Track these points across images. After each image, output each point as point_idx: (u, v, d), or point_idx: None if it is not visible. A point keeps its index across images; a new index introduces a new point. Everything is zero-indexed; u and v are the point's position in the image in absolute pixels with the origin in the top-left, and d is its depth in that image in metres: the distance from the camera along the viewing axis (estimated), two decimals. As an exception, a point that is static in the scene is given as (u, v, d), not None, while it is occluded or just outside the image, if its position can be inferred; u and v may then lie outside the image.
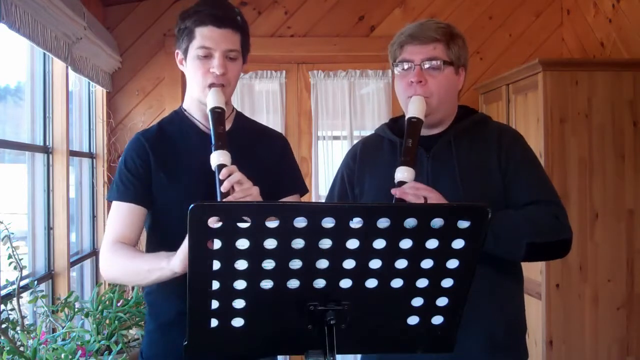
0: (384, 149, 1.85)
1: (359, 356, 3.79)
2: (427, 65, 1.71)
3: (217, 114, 1.64)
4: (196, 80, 1.71)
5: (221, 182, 1.55)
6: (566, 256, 1.77)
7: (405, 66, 1.74)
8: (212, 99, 1.66)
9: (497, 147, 1.74)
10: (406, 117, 1.71)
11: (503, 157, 1.73)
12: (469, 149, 1.75)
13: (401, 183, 1.61)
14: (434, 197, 1.58)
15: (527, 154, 1.78)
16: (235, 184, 1.55)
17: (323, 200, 4.10)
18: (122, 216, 1.71)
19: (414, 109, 1.70)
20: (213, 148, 1.61)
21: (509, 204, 1.70)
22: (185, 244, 1.45)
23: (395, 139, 1.81)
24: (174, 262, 1.49)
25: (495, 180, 1.71)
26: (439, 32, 1.72)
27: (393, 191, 1.59)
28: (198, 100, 1.74)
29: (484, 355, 1.69)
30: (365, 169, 1.85)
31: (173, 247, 1.52)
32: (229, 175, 1.56)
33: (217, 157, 1.59)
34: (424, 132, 1.75)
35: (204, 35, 1.67)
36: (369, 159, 1.86)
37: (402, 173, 1.61)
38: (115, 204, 1.73)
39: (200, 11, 1.68)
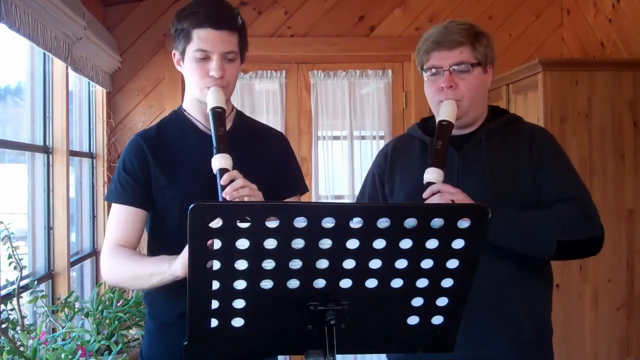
0: (415, 148, 1.87)
1: (359, 356, 3.80)
2: (455, 69, 1.73)
3: (218, 114, 1.63)
4: (195, 82, 1.70)
5: (223, 187, 1.54)
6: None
7: (434, 72, 1.75)
8: (212, 99, 1.65)
9: (529, 146, 1.75)
10: (437, 120, 1.73)
11: (534, 155, 1.74)
12: (500, 148, 1.76)
13: (429, 184, 1.64)
14: (461, 200, 1.59)
15: (558, 151, 1.79)
16: (239, 189, 1.53)
17: (323, 201, 4.11)
18: (122, 219, 1.71)
19: (445, 112, 1.71)
20: (214, 151, 1.59)
21: (539, 201, 1.71)
22: (187, 249, 1.45)
23: (426, 139, 1.83)
24: (176, 267, 1.48)
25: (526, 179, 1.72)
26: (463, 34, 1.74)
27: (425, 195, 1.62)
28: (198, 100, 1.73)
29: (512, 354, 1.70)
30: (396, 168, 1.87)
31: (173, 248, 1.52)
32: (231, 181, 1.54)
33: (219, 161, 1.57)
34: (456, 131, 1.77)
35: (201, 37, 1.65)
36: (400, 158, 1.88)
37: (431, 174, 1.64)
38: (115, 206, 1.73)
39: (196, 12, 1.65)
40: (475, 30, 1.77)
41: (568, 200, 1.69)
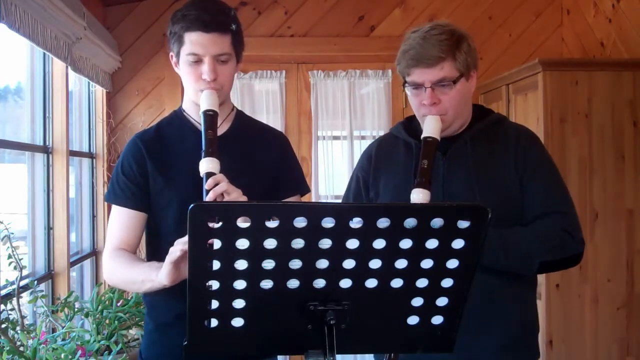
0: (399, 149, 1.84)
1: (358, 356, 3.80)
2: (438, 84, 1.68)
3: (209, 117, 1.62)
4: (189, 86, 1.70)
5: (207, 191, 1.52)
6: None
7: (416, 87, 1.71)
8: (205, 101, 1.63)
9: (514, 149, 1.74)
10: (422, 137, 1.69)
11: (520, 159, 1.72)
12: (485, 150, 1.75)
13: None
14: None
15: (543, 157, 1.78)
16: (223, 194, 1.52)
17: (323, 201, 4.10)
18: (121, 222, 1.71)
19: (429, 129, 1.67)
20: (203, 154, 1.57)
21: (523, 209, 1.71)
22: (168, 258, 1.46)
23: (410, 140, 1.81)
24: (161, 276, 1.49)
25: (511, 181, 1.71)
26: (443, 47, 1.66)
27: None
28: (194, 102, 1.73)
29: (500, 353, 1.70)
30: (380, 170, 1.84)
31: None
32: (215, 185, 1.53)
33: (206, 165, 1.55)
34: (441, 134, 1.74)
35: (192, 41, 1.64)
36: (384, 160, 1.86)
37: (418, 195, 1.59)
38: (115, 209, 1.73)
39: (187, 15, 1.64)
40: (455, 37, 1.68)
41: (552, 214, 1.68)
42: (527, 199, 1.71)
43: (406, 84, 1.75)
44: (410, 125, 1.87)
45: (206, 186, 1.53)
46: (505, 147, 1.75)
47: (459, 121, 1.77)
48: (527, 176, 1.71)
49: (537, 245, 1.64)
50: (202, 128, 1.62)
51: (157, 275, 1.50)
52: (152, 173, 1.70)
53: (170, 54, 1.74)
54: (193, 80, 1.67)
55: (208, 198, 1.51)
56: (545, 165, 1.76)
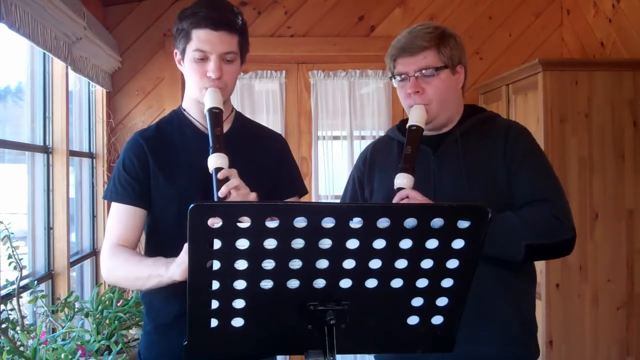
0: (393, 149, 1.88)
1: (358, 356, 3.80)
2: (421, 73, 1.73)
3: (215, 115, 1.63)
4: (193, 83, 1.70)
5: (218, 185, 1.53)
6: (566, 256, 1.78)
7: (402, 78, 1.77)
8: (210, 99, 1.64)
9: (503, 143, 1.75)
10: (407, 125, 1.74)
11: (508, 152, 1.73)
12: (475, 146, 1.76)
13: (400, 189, 1.65)
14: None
15: (532, 148, 1.78)
16: (232, 189, 1.53)
17: (323, 201, 4.10)
18: (121, 218, 1.70)
19: (414, 117, 1.73)
20: (210, 150, 1.59)
21: (512, 200, 1.71)
22: (183, 253, 1.45)
23: (404, 140, 1.82)
24: (173, 271, 1.48)
25: (501, 176, 1.72)
26: (427, 38, 1.74)
27: (394, 201, 1.64)
28: (196, 100, 1.73)
29: (497, 351, 1.71)
30: (374, 170, 1.88)
31: (171, 247, 1.52)
32: (226, 180, 1.54)
33: (215, 160, 1.57)
34: (432, 132, 1.78)
35: (200, 38, 1.65)
36: (379, 160, 1.89)
37: (401, 180, 1.66)
38: (114, 205, 1.72)
39: (196, 13, 1.66)
40: (441, 32, 1.76)
41: (539, 201, 1.68)
42: (515, 188, 1.71)
43: (393, 78, 1.80)
44: (404, 126, 1.89)
45: (219, 176, 1.54)
46: (495, 142, 1.76)
47: (445, 115, 1.78)
48: (516, 165, 1.72)
49: (523, 228, 1.63)
50: (208, 125, 1.63)
51: (167, 271, 1.50)
52: (153, 169, 1.70)
53: (175, 51, 1.75)
54: (198, 77, 1.68)
55: (221, 192, 1.52)
56: (534, 156, 1.77)
